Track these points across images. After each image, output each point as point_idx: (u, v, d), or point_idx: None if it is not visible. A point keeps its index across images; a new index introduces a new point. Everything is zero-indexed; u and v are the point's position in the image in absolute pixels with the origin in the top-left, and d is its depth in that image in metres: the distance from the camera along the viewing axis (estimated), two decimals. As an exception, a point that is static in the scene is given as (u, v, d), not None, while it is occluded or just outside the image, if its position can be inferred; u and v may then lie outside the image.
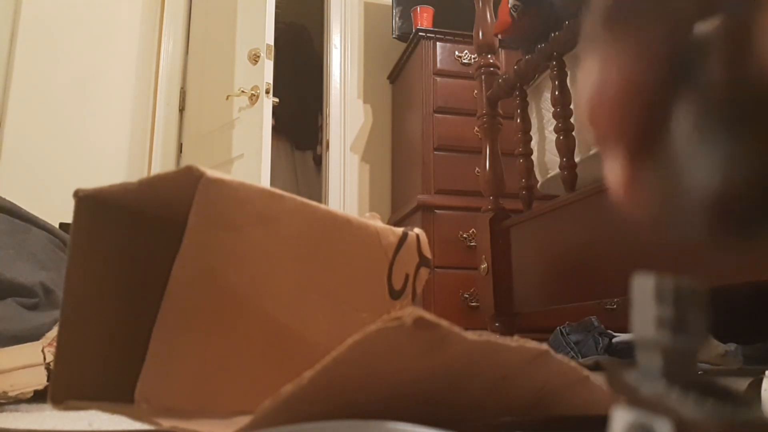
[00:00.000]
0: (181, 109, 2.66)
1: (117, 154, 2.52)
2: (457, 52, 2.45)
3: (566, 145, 1.13)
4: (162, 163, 2.56)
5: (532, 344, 0.30)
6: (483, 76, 1.40)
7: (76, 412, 0.41)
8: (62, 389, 0.40)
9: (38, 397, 0.70)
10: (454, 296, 2.15)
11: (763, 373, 0.58)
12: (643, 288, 0.14)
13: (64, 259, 0.51)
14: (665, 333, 0.13)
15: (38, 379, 0.71)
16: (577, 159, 1.14)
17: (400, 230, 0.54)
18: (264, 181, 2.11)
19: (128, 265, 0.44)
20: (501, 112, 1.40)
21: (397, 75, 2.79)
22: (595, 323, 1.65)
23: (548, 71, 1.24)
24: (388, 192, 2.79)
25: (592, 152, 1.17)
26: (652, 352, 0.14)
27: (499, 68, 1.43)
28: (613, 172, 0.16)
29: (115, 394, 0.39)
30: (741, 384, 0.62)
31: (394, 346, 0.26)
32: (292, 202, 0.44)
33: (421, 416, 0.25)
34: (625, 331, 1.62)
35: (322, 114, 2.97)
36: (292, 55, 3.21)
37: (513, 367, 0.32)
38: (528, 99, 1.35)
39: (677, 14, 0.15)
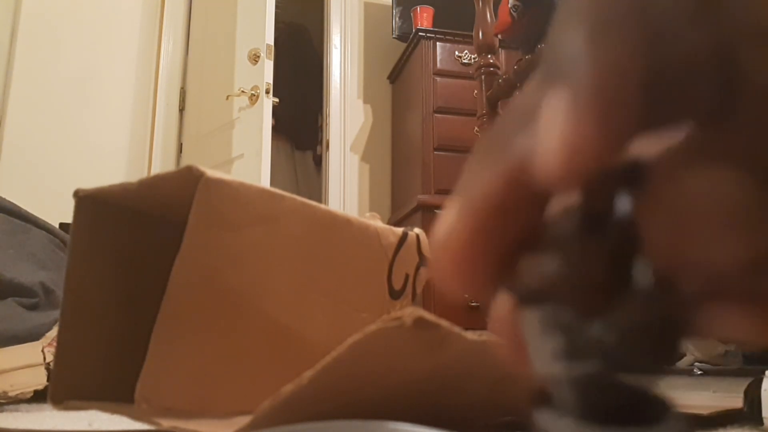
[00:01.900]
0: (181, 109, 2.66)
1: (117, 154, 2.52)
2: (457, 52, 2.45)
3: (566, 145, 1.13)
4: (162, 163, 2.56)
5: (532, 344, 0.30)
6: (483, 76, 1.40)
7: (76, 412, 0.42)
8: (62, 389, 0.40)
9: (38, 397, 0.70)
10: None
11: (763, 373, 0.58)
12: (531, 321, 0.13)
13: (64, 259, 0.51)
14: (561, 364, 0.12)
15: (38, 379, 0.71)
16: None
17: (400, 230, 0.54)
18: (264, 181, 2.11)
19: (128, 265, 0.44)
20: (501, 112, 1.40)
21: (397, 75, 2.79)
22: (595, 323, 1.64)
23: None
24: (388, 192, 2.79)
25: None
26: (559, 387, 0.12)
27: (499, 68, 1.43)
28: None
29: (115, 394, 0.39)
30: (740, 383, 0.62)
31: (394, 346, 0.26)
32: (292, 202, 0.44)
33: (421, 416, 0.25)
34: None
35: (322, 114, 2.97)
36: (292, 55, 3.21)
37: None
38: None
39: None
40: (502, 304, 0.14)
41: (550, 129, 0.12)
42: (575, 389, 0.12)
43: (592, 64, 0.12)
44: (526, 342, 0.13)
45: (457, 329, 0.26)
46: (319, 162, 3.18)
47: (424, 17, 2.60)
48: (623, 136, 0.12)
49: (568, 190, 0.12)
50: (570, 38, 0.12)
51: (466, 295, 0.14)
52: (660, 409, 0.12)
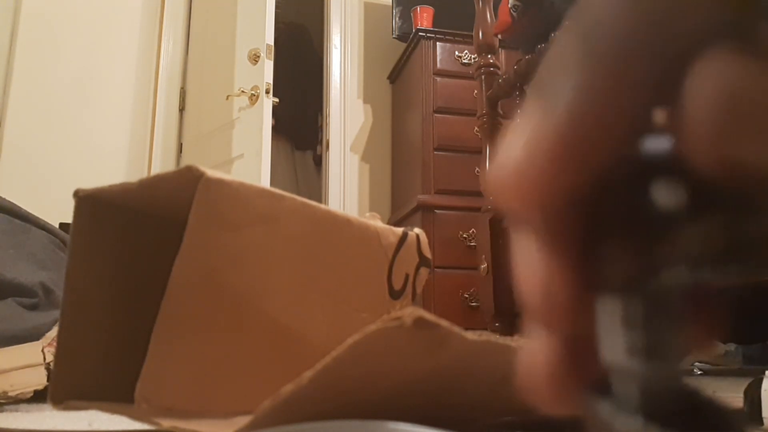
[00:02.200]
0: (181, 109, 2.66)
1: (117, 154, 2.52)
2: (457, 52, 2.45)
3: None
4: (162, 163, 2.56)
5: (532, 344, 0.30)
6: (483, 76, 1.40)
7: (76, 412, 0.41)
8: (62, 389, 0.40)
9: (38, 397, 0.70)
10: (454, 296, 2.14)
11: (763, 373, 0.58)
12: (609, 311, 0.13)
13: (64, 259, 0.51)
14: (637, 361, 0.12)
15: (38, 379, 0.71)
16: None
17: (400, 230, 0.54)
18: (264, 181, 2.11)
19: (128, 265, 0.44)
20: (501, 112, 1.40)
21: (397, 75, 2.79)
22: (595, 323, 1.64)
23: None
24: (388, 192, 2.79)
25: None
26: (626, 382, 0.12)
27: (499, 68, 1.43)
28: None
29: (115, 394, 0.39)
30: (739, 386, 0.62)
31: (394, 346, 0.26)
32: (292, 202, 0.44)
33: (421, 416, 0.25)
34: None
35: (322, 114, 2.97)
36: (292, 55, 3.21)
37: (513, 367, 0.32)
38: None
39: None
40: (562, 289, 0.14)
41: (513, 144, 0.12)
42: (644, 388, 0.12)
43: (577, 89, 0.11)
44: (598, 333, 0.13)
45: (457, 329, 0.26)
46: (319, 162, 3.18)
47: (424, 17, 2.60)
48: (591, 161, 0.11)
49: (529, 204, 0.12)
50: (564, 58, 0.12)
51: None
52: (723, 420, 0.12)
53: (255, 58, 2.25)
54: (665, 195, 0.12)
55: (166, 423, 0.36)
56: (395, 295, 0.52)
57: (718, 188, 0.11)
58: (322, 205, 0.46)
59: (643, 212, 0.12)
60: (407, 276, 0.54)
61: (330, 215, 0.47)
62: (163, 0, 2.68)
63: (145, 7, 2.66)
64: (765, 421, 0.56)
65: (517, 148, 0.12)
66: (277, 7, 2.35)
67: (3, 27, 2.42)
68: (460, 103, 2.35)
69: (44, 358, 0.73)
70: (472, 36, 1.48)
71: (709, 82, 0.10)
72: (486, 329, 1.29)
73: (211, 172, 0.39)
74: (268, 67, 2.24)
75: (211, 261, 0.40)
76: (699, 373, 1.36)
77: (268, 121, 2.22)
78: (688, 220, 0.11)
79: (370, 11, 2.92)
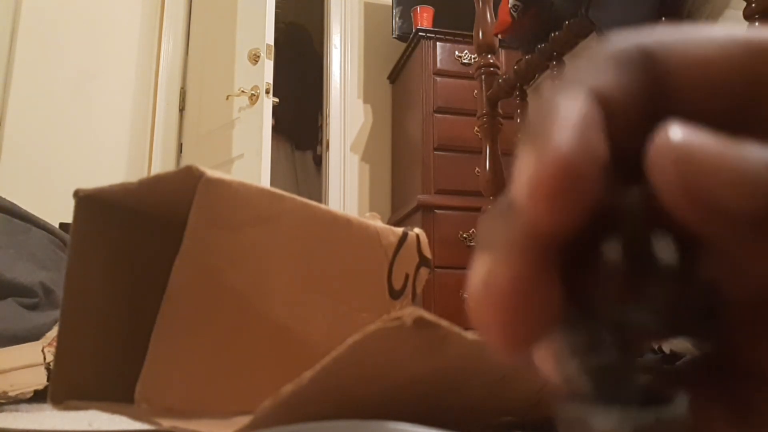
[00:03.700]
0: (181, 109, 2.66)
1: (117, 153, 2.52)
2: (457, 52, 2.45)
3: (566, 145, 1.13)
4: (162, 163, 2.56)
5: (532, 344, 0.30)
6: (483, 76, 1.40)
7: (76, 412, 0.42)
8: (62, 389, 0.40)
9: (38, 397, 0.70)
10: (454, 296, 2.14)
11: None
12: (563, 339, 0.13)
13: (64, 259, 0.51)
14: (580, 356, 0.13)
15: (38, 379, 0.71)
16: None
17: (400, 230, 0.54)
18: (264, 181, 2.11)
19: (128, 265, 0.44)
20: (501, 112, 1.40)
21: (397, 75, 2.79)
22: (595, 323, 1.64)
23: (548, 71, 1.24)
24: (388, 192, 2.79)
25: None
26: (577, 380, 0.13)
27: (499, 68, 1.43)
28: None
29: (115, 394, 0.39)
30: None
31: (394, 346, 0.26)
32: (292, 202, 0.44)
33: (421, 416, 0.25)
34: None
35: (322, 114, 2.97)
36: (292, 55, 3.21)
37: (513, 367, 0.32)
38: (528, 99, 1.35)
39: None
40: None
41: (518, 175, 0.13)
42: (593, 379, 0.13)
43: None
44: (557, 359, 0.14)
45: (457, 329, 0.26)
46: (319, 162, 3.18)
47: (424, 17, 2.60)
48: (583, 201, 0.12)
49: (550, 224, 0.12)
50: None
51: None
52: (668, 391, 0.13)
53: (255, 58, 2.25)
54: (662, 248, 0.12)
55: (166, 423, 0.36)
56: (395, 295, 0.52)
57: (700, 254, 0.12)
58: (322, 205, 0.46)
59: (638, 263, 0.12)
60: (407, 276, 0.54)
61: (330, 215, 0.47)
62: (163, 0, 2.68)
63: (145, 7, 2.66)
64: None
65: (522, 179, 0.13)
66: (277, 7, 2.35)
67: (3, 27, 2.42)
68: (460, 103, 2.35)
69: (44, 358, 0.73)
70: (472, 36, 1.48)
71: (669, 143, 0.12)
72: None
73: (211, 172, 0.39)
74: (268, 67, 2.24)
75: (211, 261, 0.40)
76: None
77: (268, 121, 2.22)
78: (671, 279, 0.12)
79: (370, 11, 2.92)
